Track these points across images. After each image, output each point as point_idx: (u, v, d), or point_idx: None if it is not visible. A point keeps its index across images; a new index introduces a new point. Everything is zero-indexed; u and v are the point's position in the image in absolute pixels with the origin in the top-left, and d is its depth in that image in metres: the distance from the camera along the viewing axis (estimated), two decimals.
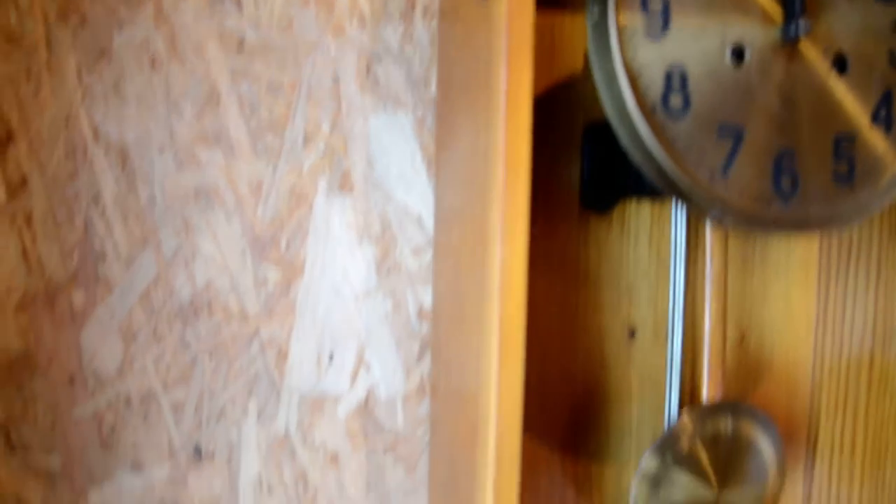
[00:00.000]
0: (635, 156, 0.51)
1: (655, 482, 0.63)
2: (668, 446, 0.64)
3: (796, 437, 0.80)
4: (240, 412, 0.65)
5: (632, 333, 0.70)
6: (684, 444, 0.64)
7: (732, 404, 0.67)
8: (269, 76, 0.63)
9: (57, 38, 0.60)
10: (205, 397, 0.64)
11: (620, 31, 0.50)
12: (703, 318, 0.68)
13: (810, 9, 0.54)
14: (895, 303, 0.74)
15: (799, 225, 0.55)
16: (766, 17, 0.53)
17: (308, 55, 0.63)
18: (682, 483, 0.64)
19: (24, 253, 0.61)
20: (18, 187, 0.61)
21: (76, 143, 0.61)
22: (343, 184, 0.64)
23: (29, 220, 0.61)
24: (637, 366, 0.70)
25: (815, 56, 0.54)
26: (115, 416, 0.63)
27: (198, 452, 0.65)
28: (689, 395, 0.70)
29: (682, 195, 0.52)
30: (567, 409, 0.69)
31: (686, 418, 0.65)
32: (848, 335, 0.75)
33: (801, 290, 0.76)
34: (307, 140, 0.64)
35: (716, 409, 0.66)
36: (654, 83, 0.51)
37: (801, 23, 0.52)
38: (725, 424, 0.66)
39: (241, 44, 0.62)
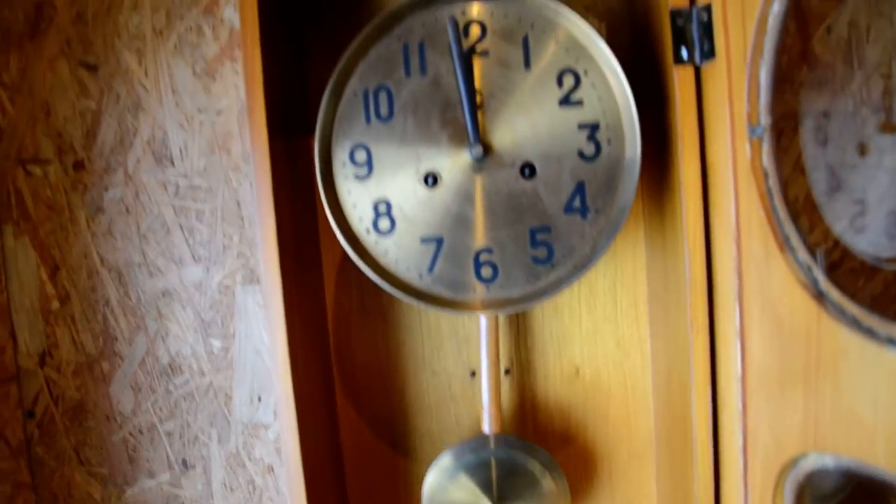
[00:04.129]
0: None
1: (447, 478, 0.79)
2: (464, 453, 0.79)
3: (643, 454, 0.89)
4: (207, 437, 0.95)
5: (472, 374, 0.87)
6: (477, 456, 0.79)
7: (507, 439, 0.80)
8: (196, 207, 0.91)
9: (73, 203, 0.94)
10: (185, 428, 0.95)
11: (336, 177, 0.70)
12: (539, 359, 0.84)
13: (493, 130, 0.68)
14: None
15: (502, 304, 0.70)
16: (453, 145, 0.69)
17: (219, 188, 0.90)
18: (467, 487, 0.79)
19: (73, 340, 0.96)
20: (65, 299, 0.96)
21: (91, 268, 0.94)
22: (252, 278, 0.91)
23: (73, 319, 0.96)
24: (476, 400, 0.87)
25: (503, 169, 0.69)
26: (135, 440, 0.96)
27: (185, 465, 0.95)
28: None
29: (398, 292, 0.70)
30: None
31: (484, 439, 0.80)
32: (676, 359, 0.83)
33: (632, 328, 0.86)
34: (225, 248, 0.91)
35: (502, 441, 0.78)
36: (365, 213, 0.70)
37: (476, 148, 0.67)
38: (507, 454, 0.80)
39: (177, 188, 0.91)
